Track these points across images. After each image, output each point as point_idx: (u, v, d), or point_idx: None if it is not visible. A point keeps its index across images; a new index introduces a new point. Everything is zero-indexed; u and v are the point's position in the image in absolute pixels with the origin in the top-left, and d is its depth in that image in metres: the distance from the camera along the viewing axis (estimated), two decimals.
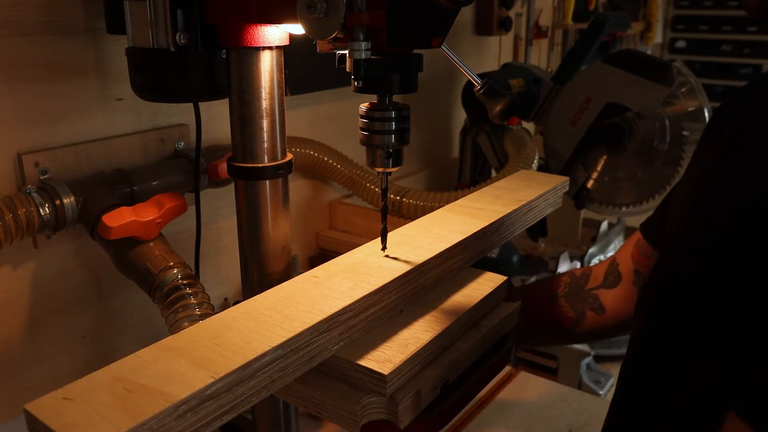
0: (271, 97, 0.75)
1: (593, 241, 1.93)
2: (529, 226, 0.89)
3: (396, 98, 0.70)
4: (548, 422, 1.07)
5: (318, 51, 0.70)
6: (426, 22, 0.63)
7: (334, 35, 0.61)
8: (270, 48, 0.73)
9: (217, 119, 1.01)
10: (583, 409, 1.10)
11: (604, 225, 1.96)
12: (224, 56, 0.76)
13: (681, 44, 3.95)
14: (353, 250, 0.73)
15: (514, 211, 0.83)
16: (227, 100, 0.76)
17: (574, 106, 1.55)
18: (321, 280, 0.65)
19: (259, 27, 0.71)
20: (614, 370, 1.39)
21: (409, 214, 1.30)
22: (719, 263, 0.58)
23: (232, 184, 0.79)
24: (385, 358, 0.61)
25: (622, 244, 2.06)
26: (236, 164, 0.77)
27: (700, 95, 1.57)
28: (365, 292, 0.61)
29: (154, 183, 0.97)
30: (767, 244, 0.52)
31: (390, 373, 0.59)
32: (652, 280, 0.75)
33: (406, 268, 0.67)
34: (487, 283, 0.77)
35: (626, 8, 2.86)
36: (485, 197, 0.88)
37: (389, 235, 0.73)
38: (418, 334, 0.66)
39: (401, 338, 0.65)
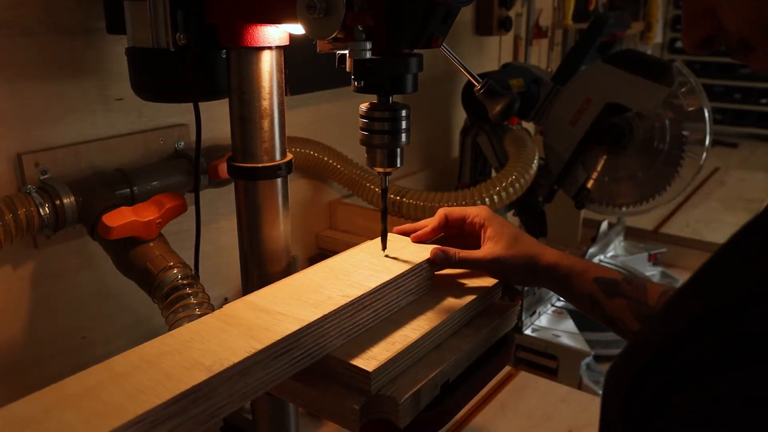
0: (271, 97, 0.75)
1: (593, 241, 1.93)
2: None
3: (396, 98, 0.70)
4: (548, 422, 1.06)
5: (318, 51, 0.70)
6: (426, 22, 0.63)
7: (334, 35, 0.61)
8: (270, 48, 0.73)
9: (217, 119, 1.01)
10: (583, 409, 1.10)
11: (604, 225, 1.96)
12: (224, 56, 0.76)
13: (681, 44, 3.95)
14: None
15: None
16: (227, 100, 0.76)
17: (574, 106, 1.55)
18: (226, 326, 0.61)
19: (259, 27, 0.71)
20: None
21: (409, 214, 1.30)
22: None
23: (232, 184, 0.79)
24: (371, 355, 0.62)
25: (622, 244, 2.06)
26: (236, 164, 0.77)
27: (700, 95, 1.57)
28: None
29: (154, 183, 0.97)
30: None
31: (374, 370, 0.60)
32: None
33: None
34: (479, 283, 0.77)
35: (626, 8, 2.86)
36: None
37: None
38: (406, 332, 0.67)
39: (390, 337, 0.66)
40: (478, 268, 0.78)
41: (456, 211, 0.82)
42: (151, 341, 0.59)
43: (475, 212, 0.81)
